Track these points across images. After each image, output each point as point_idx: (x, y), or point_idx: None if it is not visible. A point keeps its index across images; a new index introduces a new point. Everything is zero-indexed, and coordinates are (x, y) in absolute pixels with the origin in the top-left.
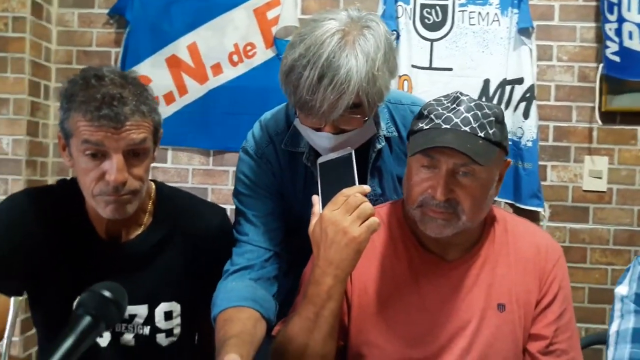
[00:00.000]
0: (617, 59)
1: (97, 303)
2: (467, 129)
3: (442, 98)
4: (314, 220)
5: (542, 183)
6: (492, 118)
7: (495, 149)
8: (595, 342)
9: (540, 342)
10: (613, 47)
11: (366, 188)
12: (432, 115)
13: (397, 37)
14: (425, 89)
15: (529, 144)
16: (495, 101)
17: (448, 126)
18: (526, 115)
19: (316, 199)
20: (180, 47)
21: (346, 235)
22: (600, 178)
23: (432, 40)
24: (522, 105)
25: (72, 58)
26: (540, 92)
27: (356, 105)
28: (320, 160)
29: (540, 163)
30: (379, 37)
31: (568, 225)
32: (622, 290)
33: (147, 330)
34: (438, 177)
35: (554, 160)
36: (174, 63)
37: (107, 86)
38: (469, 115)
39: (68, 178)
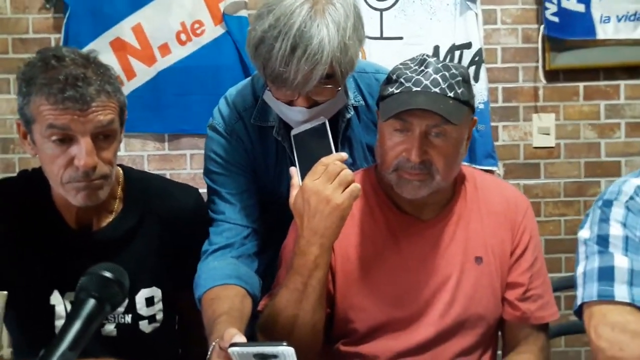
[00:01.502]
0: (556, 19)
1: (99, 285)
2: (437, 90)
3: (409, 62)
4: (294, 192)
5: (495, 143)
6: (459, 78)
7: (464, 108)
8: (557, 289)
9: (518, 290)
10: (552, 8)
11: (344, 155)
12: (401, 79)
13: None
14: (378, 59)
15: (481, 106)
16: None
17: (418, 88)
18: (476, 78)
19: (294, 171)
20: (124, 29)
21: (329, 203)
22: (548, 134)
23: (381, 10)
24: (472, 69)
25: (7, 47)
26: (487, 55)
27: (329, 75)
28: (293, 132)
29: (492, 124)
30: (348, 6)
31: (522, 181)
32: (584, 234)
33: (128, 318)
34: (412, 139)
35: (504, 120)
36: (119, 46)
37: (69, 66)
38: (437, 76)
39: (29, 169)
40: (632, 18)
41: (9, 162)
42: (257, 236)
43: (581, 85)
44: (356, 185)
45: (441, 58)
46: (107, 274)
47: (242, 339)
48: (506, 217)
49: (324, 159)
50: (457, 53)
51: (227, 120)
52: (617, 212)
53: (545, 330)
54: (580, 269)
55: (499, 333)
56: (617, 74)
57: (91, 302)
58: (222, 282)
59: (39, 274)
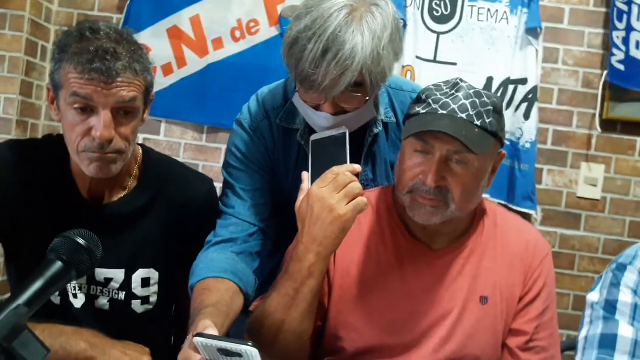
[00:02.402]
0: (622, 67)
1: (70, 249)
2: (463, 116)
3: (442, 84)
4: (301, 196)
5: (537, 186)
6: (490, 107)
7: (491, 139)
8: (572, 348)
9: (520, 338)
10: (619, 55)
11: (357, 167)
12: (429, 100)
13: (404, 27)
14: (428, 81)
15: (527, 145)
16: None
17: (445, 112)
18: (527, 116)
19: (306, 175)
20: (182, 19)
21: (332, 213)
22: (595, 186)
23: (438, 33)
24: (524, 106)
25: (72, 21)
26: (543, 94)
27: (358, 83)
28: (313, 137)
29: (537, 166)
30: (387, 17)
31: (559, 230)
32: (593, 297)
33: (122, 295)
34: (431, 163)
35: (550, 164)
36: (175, 34)
37: (102, 40)
38: (467, 102)
39: (54, 134)
40: None
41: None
42: (264, 236)
43: (639, 139)
44: (363, 199)
45: (493, 90)
46: (80, 241)
47: (215, 332)
48: (522, 260)
49: (336, 168)
50: (510, 87)
51: (253, 117)
52: (630, 277)
53: None
54: (582, 334)
55: None
56: None
57: (57, 265)
58: (217, 275)
59: (45, 236)
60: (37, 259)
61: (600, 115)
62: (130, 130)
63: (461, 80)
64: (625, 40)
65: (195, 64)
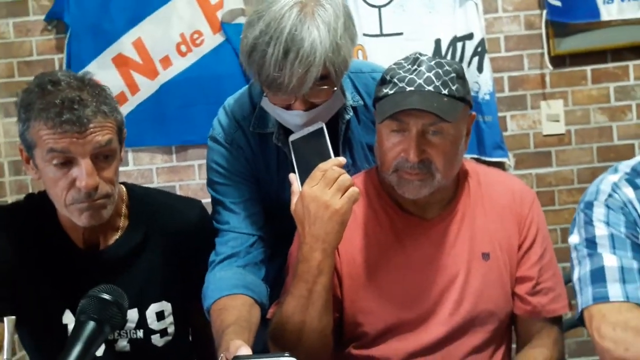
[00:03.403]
0: (558, 3)
1: (98, 307)
2: (430, 88)
3: (402, 61)
4: (294, 198)
5: (504, 134)
6: (453, 74)
7: (460, 104)
8: (569, 281)
9: (527, 284)
10: None
11: (342, 160)
12: (395, 79)
13: None
14: (379, 56)
15: (487, 97)
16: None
17: (412, 88)
18: (480, 69)
19: (293, 177)
20: (125, 45)
21: (328, 209)
22: (557, 121)
23: (379, 7)
24: (475, 60)
25: (13, 70)
26: (490, 44)
27: (324, 76)
28: (291, 137)
29: (500, 114)
30: (337, 6)
31: (533, 171)
32: (574, 239)
33: (140, 333)
34: (409, 139)
35: (512, 109)
36: (121, 62)
37: (65, 90)
38: (430, 74)
39: (35, 192)
40: None
41: (21, 184)
42: (264, 243)
43: (588, 69)
44: (354, 189)
45: (443, 51)
46: (106, 297)
47: (248, 350)
48: (512, 211)
49: (322, 165)
50: (459, 45)
51: (226, 129)
52: (599, 212)
53: (559, 323)
54: (575, 276)
55: (512, 328)
56: (625, 54)
57: (91, 325)
58: (229, 292)
59: (50, 295)
60: (47, 319)
61: (548, 53)
62: (112, 172)
63: (420, 54)
64: None
65: (147, 87)
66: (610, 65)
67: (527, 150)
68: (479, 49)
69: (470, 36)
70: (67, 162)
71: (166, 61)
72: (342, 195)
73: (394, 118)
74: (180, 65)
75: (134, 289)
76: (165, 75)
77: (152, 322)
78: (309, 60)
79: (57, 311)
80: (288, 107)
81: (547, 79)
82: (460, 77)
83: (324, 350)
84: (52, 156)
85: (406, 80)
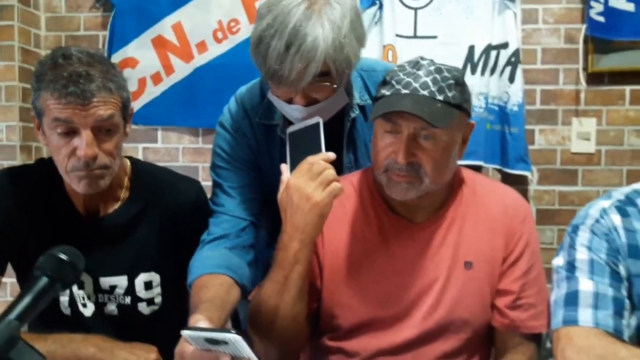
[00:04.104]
0: (601, 19)
1: (54, 265)
2: (425, 92)
3: (406, 64)
4: (282, 187)
5: (531, 147)
6: (451, 81)
7: (455, 112)
8: None
9: (507, 297)
10: (597, 7)
11: (331, 155)
12: (393, 81)
13: (380, 7)
14: (411, 57)
15: (515, 108)
16: (480, 67)
17: (407, 91)
18: (512, 79)
19: (284, 167)
20: (165, 27)
21: (309, 200)
22: (588, 140)
23: (415, 9)
24: (508, 69)
25: (61, 43)
26: (526, 55)
27: (324, 73)
28: (289, 129)
29: (528, 127)
30: (345, 6)
31: (557, 187)
32: (557, 261)
33: (128, 300)
34: (400, 141)
35: (541, 123)
36: (159, 43)
37: (74, 65)
38: (428, 79)
39: (46, 157)
40: None
41: None
42: (255, 229)
43: (627, 88)
44: (337, 185)
45: (475, 58)
46: (63, 256)
47: (206, 324)
48: (503, 223)
49: (310, 158)
50: (493, 53)
51: (234, 117)
52: (583, 236)
53: (537, 340)
54: (552, 297)
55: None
56: None
57: (44, 280)
58: (212, 271)
59: None
60: None
61: (585, 69)
62: (112, 145)
63: (422, 58)
64: None
65: (182, 69)
66: None
67: (553, 166)
68: (513, 59)
69: (505, 45)
70: (70, 132)
71: (202, 46)
72: (324, 189)
73: (387, 119)
74: (215, 51)
75: (127, 257)
76: (200, 59)
77: (140, 291)
78: (309, 55)
79: None
80: (290, 101)
81: (582, 95)
82: (459, 85)
83: (296, 336)
84: (56, 125)
85: (403, 82)
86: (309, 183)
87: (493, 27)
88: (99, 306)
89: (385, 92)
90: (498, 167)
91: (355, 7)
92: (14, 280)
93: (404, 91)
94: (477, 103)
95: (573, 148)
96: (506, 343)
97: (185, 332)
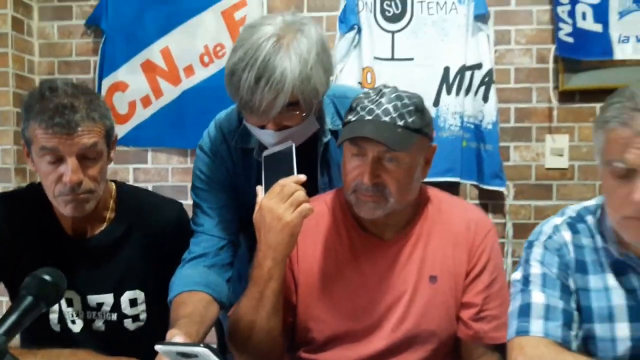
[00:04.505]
0: (570, 40)
1: (38, 285)
2: (387, 119)
3: (370, 91)
4: (257, 208)
5: (506, 163)
6: (411, 107)
7: (414, 136)
8: None
9: (471, 310)
10: (566, 28)
11: (301, 177)
12: (358, 108)
13: (359, 31)
14: (388, 79)
15: (489, 126)
16: (455, 87)
17: (370, 117)
18: (485, 99)
19: (259, 189)
20: (154, 52)
21: (280, 221)
22: (561, 155)
23: (393, 32)
24: (482, 89)
25: (54, 68)
26: (500, 75)
27: (293, 102)
28: (265, 153)
29: (503, 144)
30: (311, 40)
31: (533, 202)
32: (515, 275)
33: (114, 316)
34: (365, 164)
35: (516, 140)
36: (148, 68)
37: (60, 97)
38: (389, 106)
39: (36, 182)
40: None
41: None
42: (233, 248)
43: (597, 105)
44: (306, 205)
45: (451, 79)
46: (46, 277)
47: (181, 339)
48: (466, 239)
49: (282, 180)
50: (467, 74)
51: (212, 141)
52: (537, 252)
53: (501, 350)
54: (509, 310)
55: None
56: None
57: (28, 299)
58: (191, 289)
59: None
60: None
61: (557, 87)
62: (96, 171)
63: (385, 86)
64: (571, 13)
65: (170, 93)
66: None
67: (528, 181)
68: (487, 79)
69: (479, 66)
70: (57, 159)
71: (189, 70)
72: (294, 210)
73: (354, 143)
74: (202, 74)
75: (113, 275)
76: (188, 82)
77: (126, 308)
78: (278, 87)
79: None
80: (263, 127)
81: (555, 113)
82: (419, 111)
83: (272, 349)
84: (43, 153)
85: (367, 109)
86: (280, 204)
87: (467, 49)
88: (87, 323)
89: (351, 118)
90: (475, 182)
91: (322, 40)
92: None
93: (367, 117)
94: (453, 122)
95: (547, 164)
96: (471, 353)
97: (158, 347)
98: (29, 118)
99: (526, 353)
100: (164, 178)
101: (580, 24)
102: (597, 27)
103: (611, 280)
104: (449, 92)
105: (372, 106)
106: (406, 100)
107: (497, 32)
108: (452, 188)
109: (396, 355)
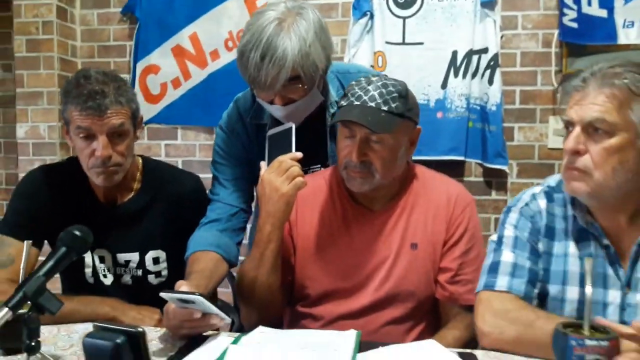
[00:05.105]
0: (574, 25)
1: (70, 239)
2: (372, 104)
3: (362, 79)
4: (259, 181)
5: (510, 143)
6: (395, 94)
7: (398, 120)
8: None
9: (447, 274)
10: (571, 14)
11: (298, 155)
12: (349, 94)
13: (371, 17)
14: (399, 62)
15: (494, 108)
16: (462, 70)
17: (358, 103)
18: (491, 81)
19: (263, 164)
20: (183, 37)
21: (277, 191)
22: (563, 136)
23: (404, 18)
24: (488, 72)
25: (94, 52)
26: (506, 59)
27: (295, 77)
28: (269, 132)
29: (508, 125)
30: (309, 21)
31: (535, 180)
32: (493, 237)
33: (140, 272)
34: (354, 144)
35: (520, 121)
36: (178, 52)
37: (92, 84)
38: (375, 93)
39: (75, 156)
40: None
41: None
42: (245, 215)
43: None
44: (300, 179)
45: (459, 62)
46: (77, 232)
47: (187, 288)
48: (446, 211)
49: (281, 157)
50: (474, 57)
51: (230, 119)
52: (513, 216)
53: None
54: (482, 267)
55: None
56: None
57: (62, 249)
58: (204, 248)
59: None
60: None
61: (560, 71)
62: (124, 147)
63: (374, 75)
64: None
65: (198, 75)
66: None
67: (532, 160)
68: (492, 63)
69: (485, 50)
70: (90, 137)
71: (215, 54)
72: (289, 183)
73: (345, 125)
74: (226, 58)
75: (138, 237)
76: (214, 66)
77: (149, 265)
78: (280, 63)
79: None
80: (272, 102)
81: (558, 95)
82: (402, 97)
83: (271, 301)
84: (79, 131)
85: (356, 95)
86: (278, 178)
87: (474, 34)
88: (117, 277)
89: (343, 103)
90: (479, 161)
91: (320, 22)
92: None
93: (355, 103)
94: (459, 103)
95: (550, 144)
96: (447, 313)
97: (162, 294)
98: (67, 102)
99: (492, 307)
100: (192, 153)
101: (586, 9)
102: (602, 13)
103: (572, 247)
104: (456, 75)
105: (360, 93)
106: (391, 88)
107: (504, 17)
108: (458, 166)
109: (379, 310)
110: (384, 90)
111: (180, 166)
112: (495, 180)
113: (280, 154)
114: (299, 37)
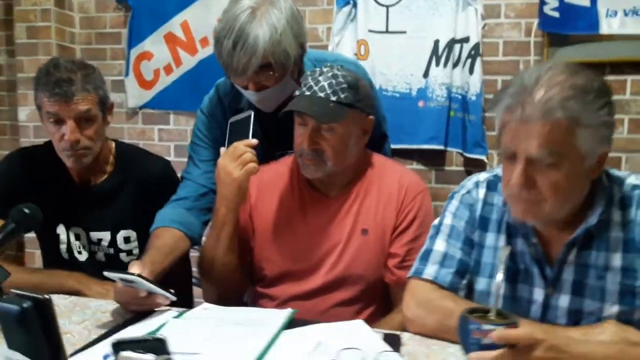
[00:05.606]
0: (556, 14)
1: (20, 216)
2: (322, 94)
3: (317, 70)
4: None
5: (490, 133)
6: (345, 85)
7: (347, 110)
8: None
9: (395, 259)
10: (552, 3)
11: (253, 141)
12: (302, 84)
13: (355, 5)
14: (382, 51)
15: (474, 97)
16: (443, 59)
17: (309, 93)
18: (471, 71)
19: (222, 150)
20: (174, 25)
21: (230, 175)
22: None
23: (387, 6)
24: (469, 62)
25: (92, 39)
26: (488, 48)
27: (266, 64)
28: (230, 120)
29: (489, 114)
30: (281, 10)
31: None
32: (435, 222)
33: (112, 250)
34: (306, 132)
35: None
36: (170, 39)
37: (61, 72)
38: (325, 83)
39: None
40: (639, 13)
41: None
42: (214, 196)
43: None
44: (251, 165)
45: (440, 51)
46: (26, 210)
47: (137, 269)
48: (397, 199)
49: (236, 143)
50: (456, 46)
51: (211, 103)
52: (454, 204)
53: None
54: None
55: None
56: (624, 69)
57: (12, 225)
58: (166, 225)
59: (51, 213)
60: (46, 229)
61: (542, 61)
62: (92, 131)
63: (325, 66)
64: None
65: (188, 61)
66: (608, 78)
67: None
68: (473, 52)
69: (467, 39)
70: (59, 122)
71: (205, 41)
72: (242, 168)
73: (298, 115)
74: None
75: (110, 217)
76: (203, 53)
77: (121, 244)
78: (251, 50)
79: (54, 224)
80: (246, 88)
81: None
82: (352, 88)
83: (229, 279)
84: (48, 116)
85: (307, 86)
86: (231, 163)
87: (457, 23)
88: (91, 254)
89: (297, 92)
90: (460, 150)
91: (292, 11)
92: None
93: (306, 93)
94: (440, 93)
95: None
96: (396, 297)
97: (106, 273)
98: (38, 89)
99: (416, 296)
100: (184, 138)
101: None
102: (585, 2)
103: (502, 241)
104: (437, 64)
105: (311, 83)
106: (340, 79)
107: (486, 6)
108: (439, 155)
109: (329, 292)
110: (333, 81)
111: (172, 151)
112: (475, 170)
113: (239, 140)
114: (270, 26)
